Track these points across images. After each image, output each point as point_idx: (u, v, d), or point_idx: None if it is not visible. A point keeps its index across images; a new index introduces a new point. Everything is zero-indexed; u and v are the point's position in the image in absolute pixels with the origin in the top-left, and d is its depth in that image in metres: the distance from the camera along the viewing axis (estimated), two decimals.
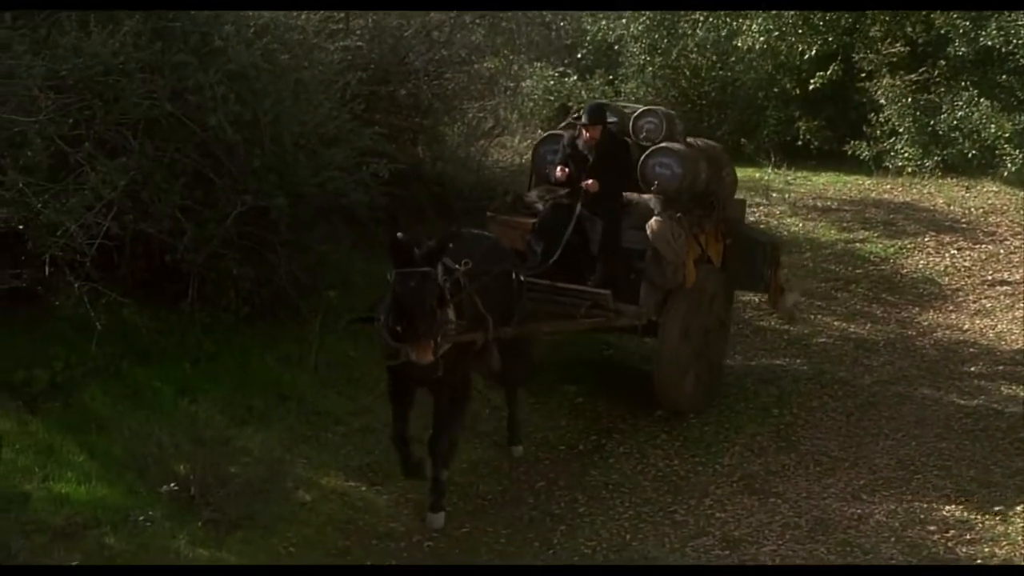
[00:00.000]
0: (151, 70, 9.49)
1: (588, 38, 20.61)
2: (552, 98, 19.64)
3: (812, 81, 18.44)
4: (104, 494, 8.66)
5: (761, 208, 16.08)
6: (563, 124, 12.28)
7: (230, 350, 10.58)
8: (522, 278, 10.04)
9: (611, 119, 11.32)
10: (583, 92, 19.82)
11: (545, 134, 12.35)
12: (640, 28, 19.47)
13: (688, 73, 19.46)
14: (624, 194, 10.92)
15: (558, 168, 10.86)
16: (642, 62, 19.53)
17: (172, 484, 8.61)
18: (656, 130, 11.35)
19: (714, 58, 19.41)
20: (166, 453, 8.91)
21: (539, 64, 19.97)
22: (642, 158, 11.04)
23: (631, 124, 11.44)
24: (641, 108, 11.88)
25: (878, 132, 17.85)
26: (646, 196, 10.87)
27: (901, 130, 17.64)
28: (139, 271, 10.27)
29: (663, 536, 9.26)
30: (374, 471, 9.61)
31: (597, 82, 20.00)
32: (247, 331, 10.75)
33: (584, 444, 10.64)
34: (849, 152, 17.86)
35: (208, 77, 9.53)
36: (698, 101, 19.47)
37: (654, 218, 10.59)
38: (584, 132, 10.80)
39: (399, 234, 8.67)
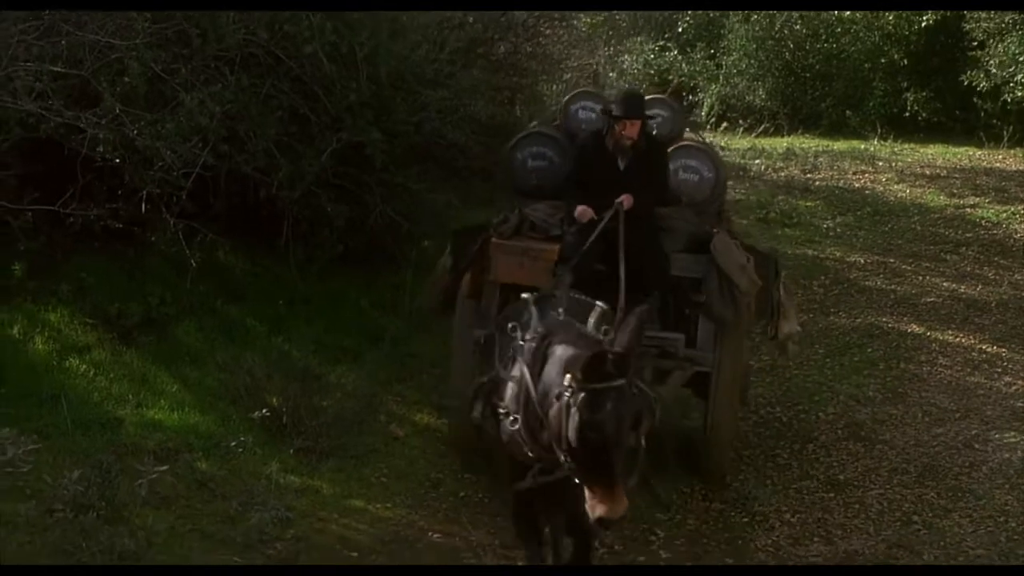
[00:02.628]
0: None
1: (689, 12, 20.36)
2: (652, 72, 19.44)
3: (925, 19, 17.84)
4: (196, 421, 8.64)
5: (866, 175, 15.72)
6: (535, 124, 9.94)
7: (324, 293, 10.54)
8: None
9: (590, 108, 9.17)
10: (683, 65, 19.62)
11: (521, 134, 9.47)
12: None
13: (792, 45, 19.08)
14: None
15: (578, 209, 8.19)
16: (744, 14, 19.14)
17: (264, 410, 8.53)
18: (666, 125, 9.22)
19: (820, 29, 18.99)
20: (259, 384, 8.85)
21: (639, 38, 19.87)
22: None
23: None
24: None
25: (996, 62, 17.08)
26: (670, 209, 8.62)
27: (1022, 59, 16.87)
28: (234, 209, 10.21)
29: (765, 478, 8.96)
30: None
31: (698, 55, 19.74)
32: (341, 275, 10.68)
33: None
34: (965, 83, 17.17)
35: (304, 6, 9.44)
36: (802, 74, 19.11)
37: (717, 237, 8.28)
38: (617, 128, 8.25)
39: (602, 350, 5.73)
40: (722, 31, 19.80)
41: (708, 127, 18.23)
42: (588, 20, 15.31)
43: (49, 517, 7.09)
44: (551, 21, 13.92)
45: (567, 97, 9.59)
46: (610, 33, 19.81)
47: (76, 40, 8.69)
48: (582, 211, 8.16)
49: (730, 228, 9.02)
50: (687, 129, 9.82)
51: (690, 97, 19.21)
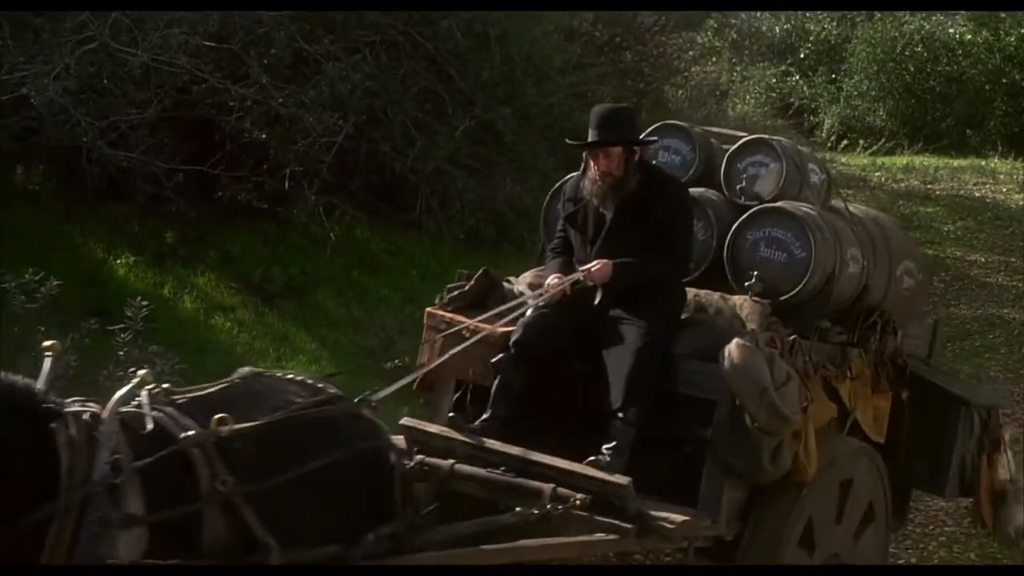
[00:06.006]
0: None
1: (811, 37, 20.65)
2: (775, 95, 19.70)
3: None
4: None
5: (987, 186, 15.80)
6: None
7: (455, 270, 10.88)
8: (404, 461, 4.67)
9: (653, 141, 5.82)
10: (804, 88, 19.85)
11: (568, 176, 5.89)
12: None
13: (912, 68, 19.26)
14: (684, 291, 5.42)
15: (550, 277, 5.30)
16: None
17: (396, 361, 8.90)
18: (768, 179, 5.93)
19: (940, 52, 19.15)
20: (392, 340, 9.24)
21: (762, 64, 20.18)
22: (734, 228, 5.63)
23: (723, 168, 5.95)
24: (744, 136, 6.20)
25: None
26: (736, 299, 5.46)
27: None
28: (371, 186, 10.67)
29: None
30: None
31: (819, 79, 19.97)
32: (472, 256, 11.02)
33: None
34: None
35: None
36: (922, 95, 19.24)
37: (734, 341, 5.04)
38: (591, 163, 5.29)
39: None
40: (844, 55, 20.03)
41: (828, 146, 18.43)
42: (710, 36, 15.63)
43: None
44: (677, 29, 14.24)
45: (649, 130, 6.19)
46: (733, 60, 20.16)
47: (227, 16, 9.26)
48: (552, 281, 5.25)
49: (897, 346, 5.84)
50: (822, 188, 6.16)
51: (810, 118, 19.46)
